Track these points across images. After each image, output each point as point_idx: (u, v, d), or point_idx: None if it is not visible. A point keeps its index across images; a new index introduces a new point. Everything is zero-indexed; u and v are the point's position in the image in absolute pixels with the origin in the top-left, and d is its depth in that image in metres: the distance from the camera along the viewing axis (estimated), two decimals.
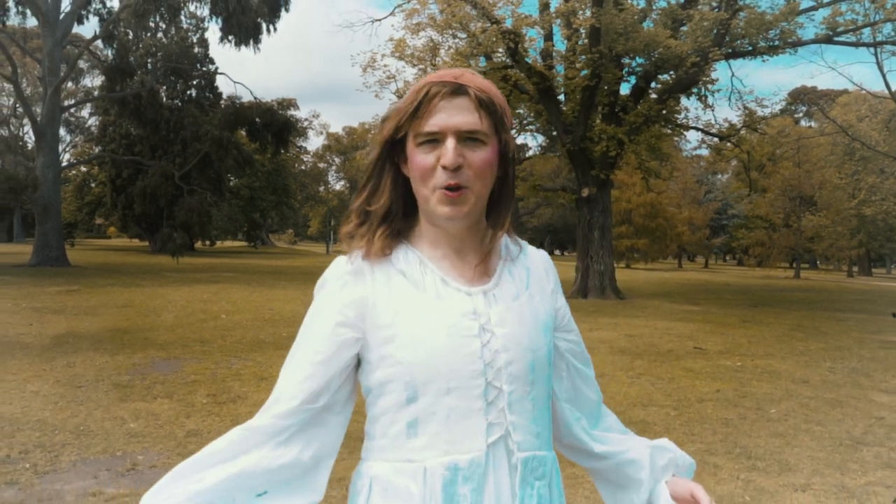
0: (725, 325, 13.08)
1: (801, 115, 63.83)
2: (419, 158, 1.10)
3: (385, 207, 1.17)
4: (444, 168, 1.08)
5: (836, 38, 16.48)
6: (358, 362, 1.16)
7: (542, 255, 1.30)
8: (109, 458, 4.47)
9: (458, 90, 1.10)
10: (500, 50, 16.86)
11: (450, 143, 1.08)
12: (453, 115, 1.09)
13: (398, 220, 1.19)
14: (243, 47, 26.07)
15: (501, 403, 1.10)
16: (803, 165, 38.25)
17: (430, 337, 1.09)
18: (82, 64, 41.87)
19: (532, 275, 1.23)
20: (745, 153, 21.23)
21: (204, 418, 5.48)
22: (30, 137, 49.74)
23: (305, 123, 58.75)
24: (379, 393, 1.13)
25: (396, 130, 1.13)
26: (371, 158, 1.19)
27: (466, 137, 1.09)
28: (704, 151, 22.62)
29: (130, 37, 29.33)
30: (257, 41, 26.25)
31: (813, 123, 57.81)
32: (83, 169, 48.73)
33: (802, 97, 64.68)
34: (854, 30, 16.27)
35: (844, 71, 72.99)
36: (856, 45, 16.56)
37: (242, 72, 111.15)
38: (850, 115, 40.36)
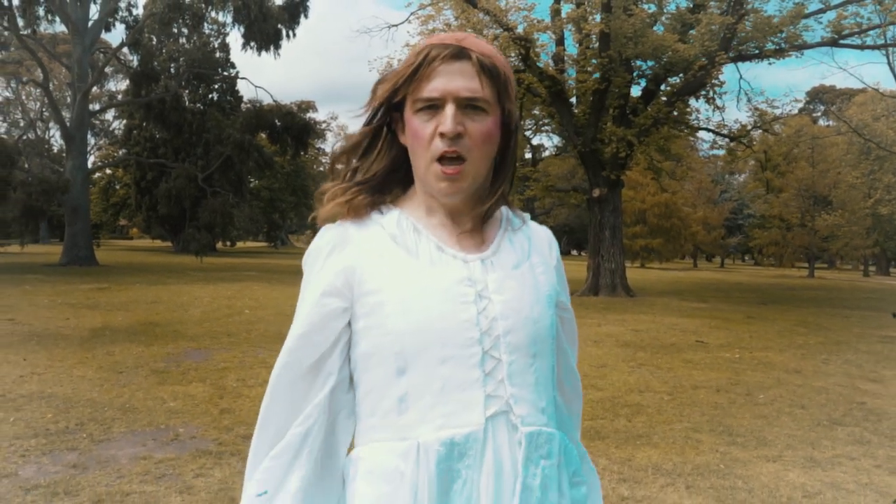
0: (730, 320, 13.48)
1: (819, 113, 63.63)
2: (417, 125, 1.06)
3: (376, 173, 1.14)
4: (443, 136, 1.04)
5: (841, 42, 16.81)
6: None
7: (545, 230, 1.25)
8: (154, 430, 5.04)
9: (459, 54, 1.05)
10: (513, 54, 17.35)
11: (449, 109, 1.04)
12: (453, 80, 1.04)
13: (387, 185, 1.16)
14: (264, 53, 26.89)
15: (500, 374, 1.04)
16: (819, 165, 38.31)
17: (422, 303, 1.03)
18: (107, 68, 43.00)
19: (534, 246, 1.18)
20: (761, 153, 21.52)
21: (235, 399, 6.04)
22: (55, 141, 50.98)
23: (323, 125, 59.54)
24: (365, 367, 1.07)
25: (393, 94, 1.09)
26: (364, 121, 1.15)
27: (467, 104, 1.05)
28: (720, 152, 22.94)
29: (154, 42, 30.23)
30: (277, 47, 27.04)
31: (832, 122, 57.63)
32: (108, 171, 49.84)
33: (821, 96, 64.52)
34: (859, 33, 16.60)
35: (856, 71, 72.39)
36: (861, 47, 16.89)
37: (262, 74, 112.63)
38: (866, 114, 40.30)
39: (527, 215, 1.23)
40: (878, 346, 10.40)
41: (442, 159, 1.05)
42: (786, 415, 6.01)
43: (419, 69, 1.05)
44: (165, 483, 3.99)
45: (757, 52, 16.84)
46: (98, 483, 3.96)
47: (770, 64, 17.15)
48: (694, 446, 4.97)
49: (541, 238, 1.22)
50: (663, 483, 4.20)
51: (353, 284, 1.06)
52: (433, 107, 1.05)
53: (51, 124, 49.73)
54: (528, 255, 1.16)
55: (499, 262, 1.11)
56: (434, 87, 1.04)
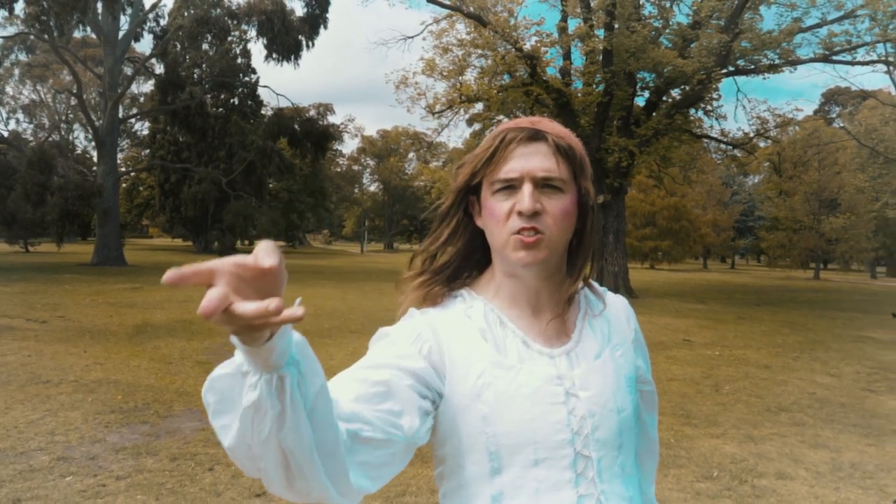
0: (721, 321, 14.39)
1: (835, 115, 63.82)
2: (495, 205, 1.07)
3: (452, 257, 1.16)
4: (521, 214, 1.05)
5: (833, 58, 17.65)
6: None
7: (621, 301, 1.26)
8: None
9: (535, 136, 1.08)
10: (521, 69, 18.35)
11: (526, 188, 1.05)
12: (530, 160, 1.06)
13: (461, 270, 1.18)
14: (285, 63, 28.13)
15: (591, 473, 1.05)
16: (829, 168, 38.88)
17: (515, 405, 1.04)
18: (130, 72, 44.49)
19: (613, 326, 1.19)
20: (775, 155, 22.32)
21: None
22: (80, 143, 52.51)
23: (341, 127, 60.84)
24: (457, 464, 1.07)
25: (472, 177, 1.11)
26: (444, 207, 1.16)
27: (544, 184, 1.06)
28: (737, 154, 23.62)
29: (179, 49, 31.54)
30: (298, 57, 28.28)
31: (848, 125, 57.93)
32: (132, 174, 51.37)
33: (836, 97, 64.74)
34: (849, 49, 17.42)
35: (864, 76, 72.64)
36: (852, 63, 17.69)
37: (281, 75, 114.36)
38: (875, 118, 40.72)
39: (604, 290, 1.23)
40: (848, 346, 11.30)
41: (520, 232, 1.05)
42: (742, 403, 6.98)
43: (496, 152, 1.08)
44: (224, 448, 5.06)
45: (752, 67, 17.75)
46: (171, 446, 5.03)
47: (764, 79, 18.04)
48: None
49: (618, 312, 1.22)
50: None
51: (444, 373, 1.06)
52: (510, 187, 1.07)
53: (75, 126, 51.18)
54: (609, 339, 1.16)
55: (582, 354, 1.11)
56: (511, 167, 1.06)
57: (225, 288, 0.67)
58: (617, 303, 1.23)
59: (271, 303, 0.67)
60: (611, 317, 1.19)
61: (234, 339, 0.75)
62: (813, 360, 9.73)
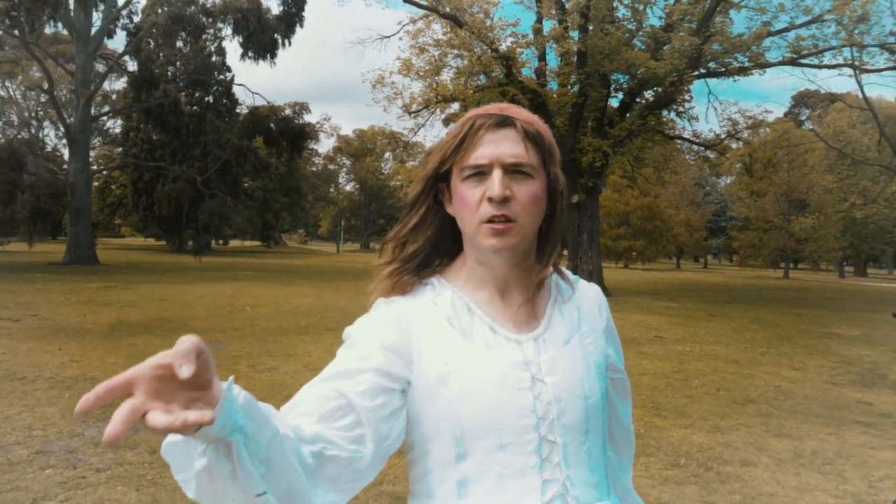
0: (692, 318, 14.69)
1: (804, 117, 65.06)
2: (465, 192, 1.08)
3: (422, 244, 1.16)
4: (491, 200, 1.05)
5: (801, 61, 18.09)
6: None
7: (593, 290, 1.25)
8: None
9: (503, 122, 1.08)
10: (497, 70, 18.53)
11: (496, 174, 1.05)
12: (499, 146, 1.06)
13: (432, 258, 1.18)
14: (261, 61, 28.06)
15: (556, 458, 1.06)
16: (798, 169, 39.66)
17: (480, 391, 1.04)
18: (102, 69, 43.92)
19: (584, 314, 1.19)
20: (746, 156, 22.76)
21: (247, 382, 7.14)
22: (50, 140, 51.73)
23: (317, 126, 60.58)
24: (423, 450, 1.08)
25: (441, 164, 1.12)
26: (413, 194, 1.17)
27: (513, 170, 1.07)
28: (709, 155, 24.00)
29: (152, 46, 31.26)
30: (274, 55, 28.21)
31: (817, 127, 59.13)
32: (104, 172, 50.74)
33: (806, 100, 66.03)
34: (816, 53, 17.88)
35: (833, 78, 74.53)
36: (819, 66, 18.16)
37: (257, 74, 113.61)
38: (843, 120, 41.60)
39: (576, 278, 1.23)
40: (813, 341, 11.63)
41: (491, 220, 1.06)
42: (710, 395, 7.19)
43: (466, 138, 1.08)
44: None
45: (723, 70, 18.14)
46: (150, 440, 5.07)
47: (735, 81, 18.47)
48: None
49: (590, 300, 1.22)
50: None
51: (410, 364, 1.06)
52: (480, 174, 1.07)
53: (45, 123, 50.37)
54: (579, 326, 1.16)
55: (550, 339, 1.12)
56: (481, 154, 1.07)
57: (140, 398, 0.68)
58: (589, 292, 1.23)
59: (176, 419, 0.66)
60: (582, 304, 1.19)
61: None
62: (779, 355, 10.00)
